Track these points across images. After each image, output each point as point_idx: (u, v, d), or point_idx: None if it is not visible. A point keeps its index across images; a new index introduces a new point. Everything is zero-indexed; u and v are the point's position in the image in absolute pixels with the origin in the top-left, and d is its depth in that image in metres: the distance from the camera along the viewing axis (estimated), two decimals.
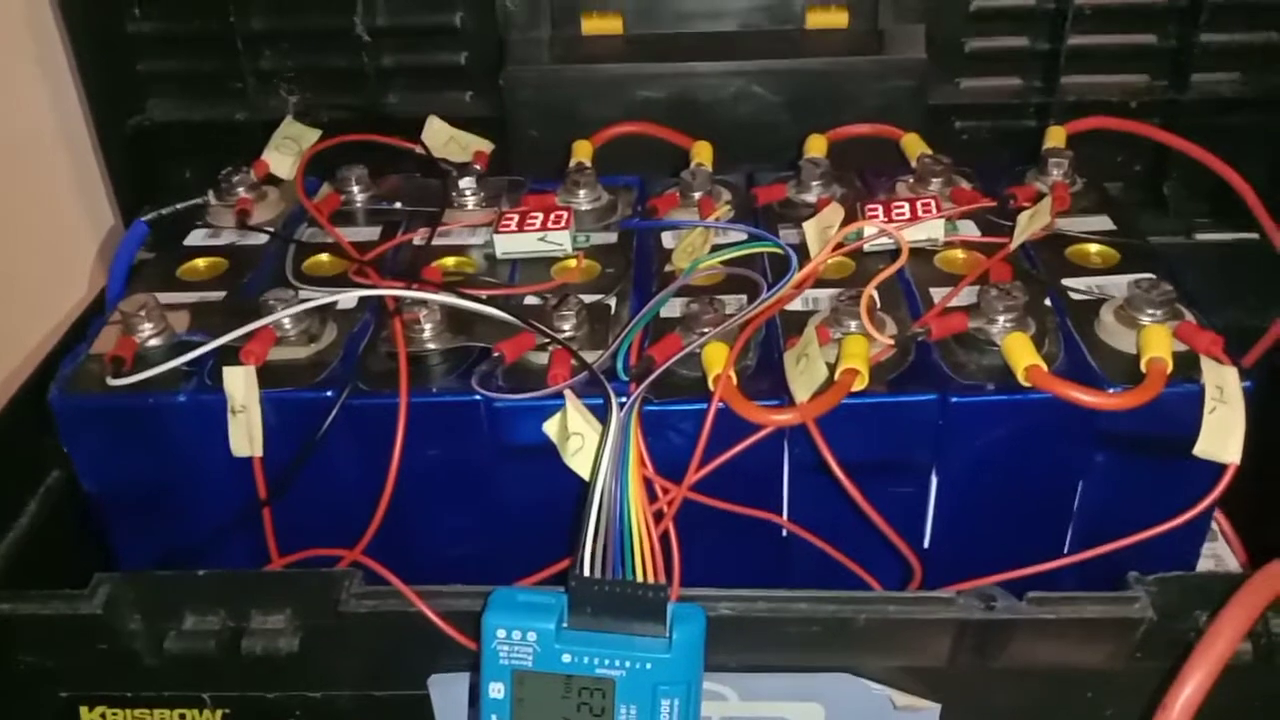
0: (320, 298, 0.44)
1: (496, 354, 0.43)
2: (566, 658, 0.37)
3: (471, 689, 0.42)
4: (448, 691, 0.43)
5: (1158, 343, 0.41)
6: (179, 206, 0.54)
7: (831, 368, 0.41)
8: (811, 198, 0.54)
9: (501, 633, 0.37)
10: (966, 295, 0.46)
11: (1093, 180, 0.55)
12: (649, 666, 0.37)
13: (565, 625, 0.37)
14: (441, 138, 0.60)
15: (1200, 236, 0.63)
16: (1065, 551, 0.45)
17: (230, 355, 0.43)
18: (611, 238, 0.52)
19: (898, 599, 0.40)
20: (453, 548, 0.46)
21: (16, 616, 0.41)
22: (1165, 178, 0.65)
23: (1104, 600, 0.39)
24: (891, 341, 0.42)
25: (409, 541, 0.45)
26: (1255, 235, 0.60)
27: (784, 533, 0.45)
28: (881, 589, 0.45)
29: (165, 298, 0.47)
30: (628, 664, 0.37)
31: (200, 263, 0.51)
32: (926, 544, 0.45)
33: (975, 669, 0.41)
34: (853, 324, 0.42)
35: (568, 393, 0.41)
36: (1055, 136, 0.57)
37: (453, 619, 0.40)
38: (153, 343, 0.44)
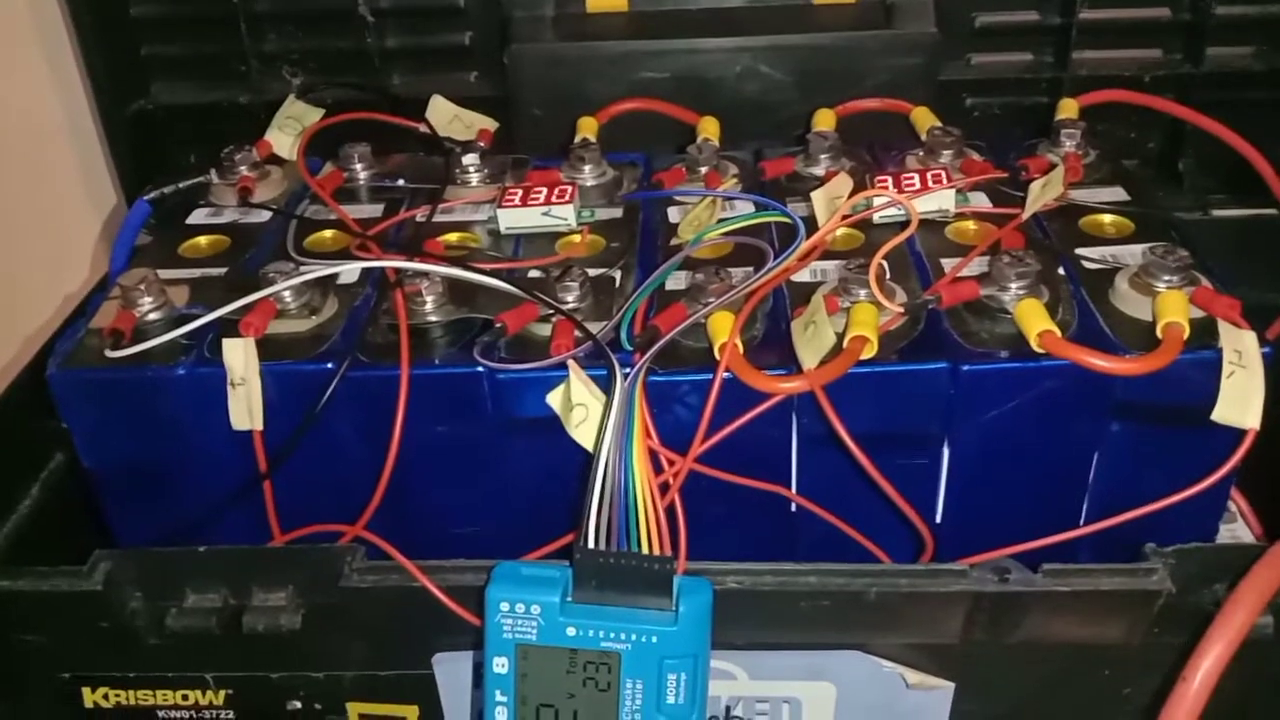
0: (321, 270, 0.43)
1: (499, 325, 0.42)
2: (571, 631, 0.36)
3: (476, 668, 0.42)
4: (452, 671, 0.42)
5: (1174, 308, 0.40)
6: (181, 185, 0.54)
7: (840, 336, 0.40)
8: (820, 171, 0.53)
9: (505, 606, 0.37)
10: (978, 265, 0.45)
11: (1105, 151, 0.54)
12: (655, 640, 0.36)
13: (570, 598, 0.37)
14: (445, 116, 0.59)
15: (1217, 213, 0.62)
16: (1081, 523, 0.44)
17: (230, 328, 0.42)
18: (616, 212, 0.51)
19: (909, 572, 0.39)
20: (456, 522, 0.45)
21: (16, 593, 0.41)
22: (1181, 154, 0.64)
23: (1120, 572, 0.39)
24: (901, 309, 0.41)
25: (412, 517, 0.44)
26: (1273, 211, 0.59)
27: (792, 507, 0.44)
28: (891, 562, 0.44)
29: (166, 274, 0.47)
30: (633, 637, 0.36)
31: (202, 240, 0.51)
32: (938, 518, 0.44)
33: (989, 645, 0.40)
34: (862, 292, 0.42)
35: (571, 363, 0.40)
36: (1068, 108, 0.56)
37: (456, 594, 0.39)
38: (152, 316, 0.44)
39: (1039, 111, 0.63)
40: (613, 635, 0.36)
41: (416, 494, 0.44)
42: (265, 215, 0.52)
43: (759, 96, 0.60)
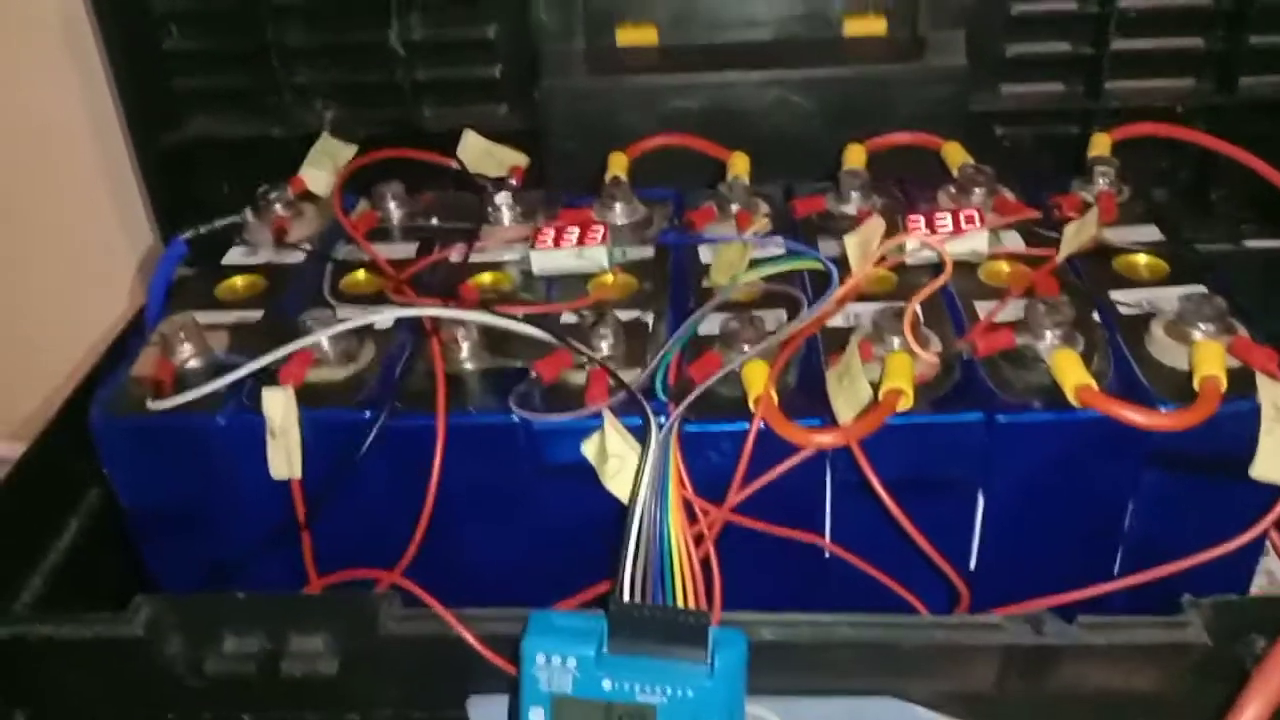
0: (357, 318, 0.44)
1: (534, 375, 0.42)
2: (607, 684, 0.37)
3: (510, 713, 0.42)
4: (486, 712, 0.43)
5: (1211, 359, 0.40)
6: (217, 225, 0.54)
7: (875, 386, 0.40)
8: (851, 209, 0.53)
9: (541, 658, 0.37)
10: (1012, 309, 0.45)
11: (1139, 188, 0.54)
12: (690, 694, 0.36)
13: (605, 650, 0.37)
14: (477, 152, 0.59)
15: (1249, 244, 0.62)
16: (1115, 572, 0.44)
17: (269, 376, 0.43)
18: (648, 252, 0.52)
19: (944, 624, 0.39)
20: (489, 567, 0.45)
21: (58, 639, 0.42)
22: (1212, 184, 0.64)
23: (1156, 625, 0.39)
24: (936, 359, 0.41)
25: (445, 560, 0.44)
26: None
27: (825, 553, 0.44)
28: (925, 609, 0.44)
29: (203, 317, 0.47)
30: (669, 691, 0.36)
31: (238, 281, 0.51)
32: (972, 565, 0.44)
33: (1023, 694, 0.40)
34: (896, 340, 0.42)
35: (606, 414, 0.40)
36: (1100, 144, 0.56)
37: (491, 642, 0.39)
38: (192, 364, 0.44)
39: (1071, 141, 0.63)
40: (648, 689, 0.36)
41: (450, 538, 0.44)
42: (301, 254, 0.53)
43: (789, 130, 0.60)
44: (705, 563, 0.39)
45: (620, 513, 0.39)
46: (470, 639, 0.39)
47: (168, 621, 0.41)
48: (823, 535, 0.43)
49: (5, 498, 0.50)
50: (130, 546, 0.48)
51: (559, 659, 0.37)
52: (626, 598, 0.37)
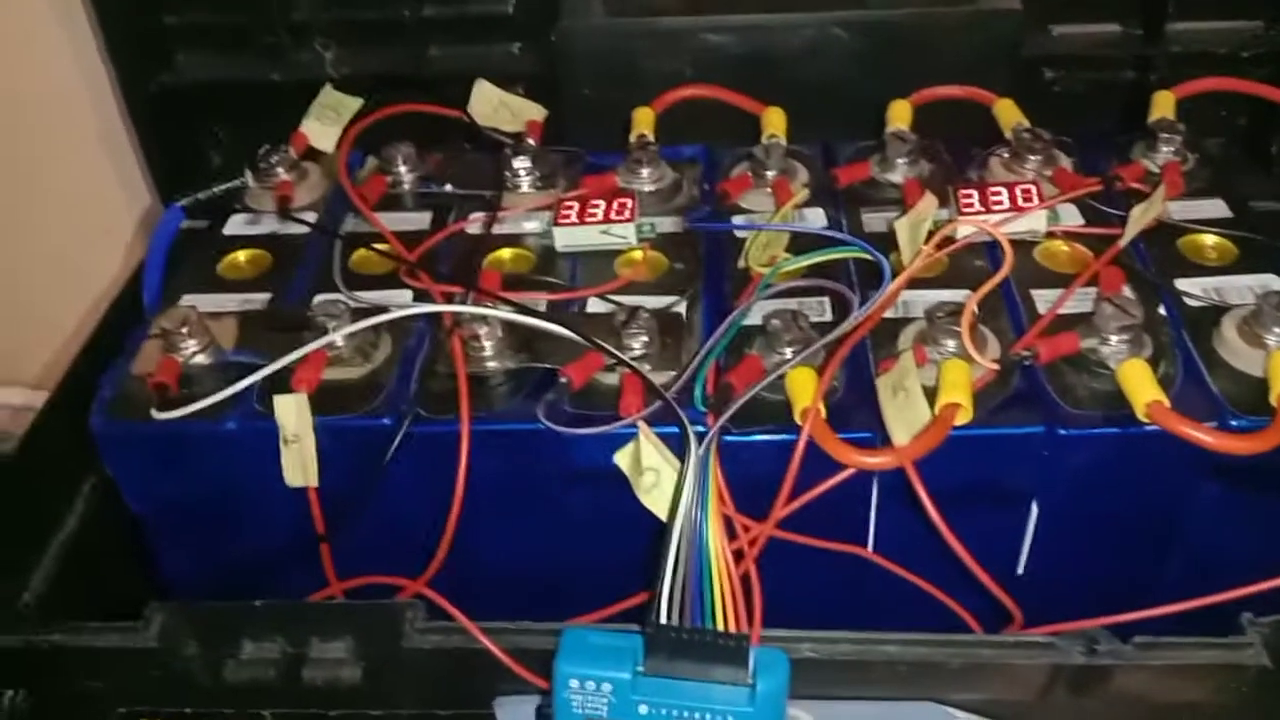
0: (374, 317, 0.41)
1: (563, 380, 0.39)
2: (643, 709, 0.35)
3: (538, 711, 0.41)
4: (513, 713, 0.41)
5: None
6: (216, 190, 0.51)
7: (928, 392, 0.38)
8: (897, 177, 0.49)
9: (575, 683, 0.35)
10: (1072, 298, 0.42)
11: (1204, 156, 0.50)
12: (730, 719, 0.35)
13: (641, 671, 0.35)
14: (490, 103, 0.55)
15: None
16: (1166, 581, 0.42)
17: (280, 379, 0.40)
18: (678, 225, 0.48)
19: (993, 643, 0.38)
20: (514, 574, 0.43)
21: (71, 647, 0.40)
22: (1273, 134, 0.60)
23: (1214, 645, 0.37)
24: (995, 366, 0.39)
25: (468, 565, 0.43)
26: None
27: (868, 562, 0.42)
28: (970, 617, 0.42)
29: (207, 301, 0.45)
30: (708, 717, 0.35)
31: (241, 256, 0.48)
32: (1021, 569, 0.42)
33: (1072, 709, 0.38)
34: (951, 344, 0.39)
35: (642, 426, 0.38)
36: (1164, 104, 0.52)
37: (520, 656, 0.38)
38: (197, 360, 0.41)
39: (1126, 88, 0.58)
40: (686, 714, 0.35)
41: (474, 544, 0.42)
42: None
43: (829, 77, 0.56)
44: (745, 579, 0.37)
45: (653, 522, 0.37)
46: (498, 653, 0.38)
47: (182, 629, 0.40)
48: (866, 543, 0.42)
49: (6, 481, 0.48)
50: (138, 536, 0.46)
51: (594, 684, 0.35)
52: (664, 618, 0.35)
